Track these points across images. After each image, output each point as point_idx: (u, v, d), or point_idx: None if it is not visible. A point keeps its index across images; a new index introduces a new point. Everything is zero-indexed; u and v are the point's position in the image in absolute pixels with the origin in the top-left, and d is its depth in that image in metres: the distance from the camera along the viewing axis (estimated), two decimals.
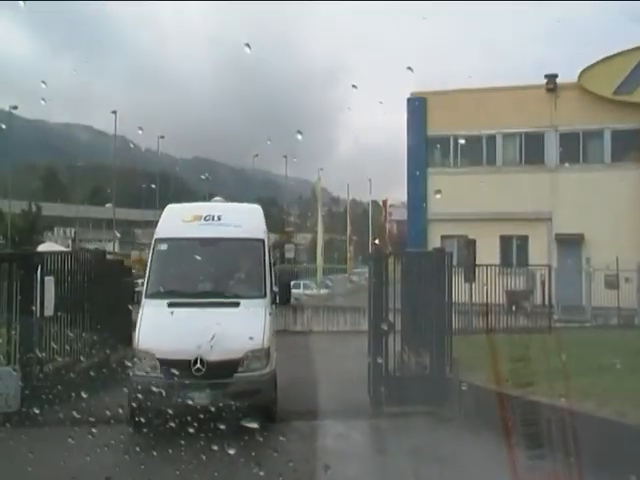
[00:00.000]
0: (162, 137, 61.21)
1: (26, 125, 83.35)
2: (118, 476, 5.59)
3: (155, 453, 5.46)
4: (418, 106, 26.68)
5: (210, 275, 9.32)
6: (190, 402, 7.66)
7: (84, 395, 6.94)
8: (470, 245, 18.82)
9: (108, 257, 15.90)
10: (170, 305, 8.61)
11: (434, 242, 23.77)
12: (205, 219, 9.49)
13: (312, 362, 10.40)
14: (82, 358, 10.39)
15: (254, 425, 6.21)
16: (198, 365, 7.97)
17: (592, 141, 25.75)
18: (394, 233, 40.75)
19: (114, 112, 51.56)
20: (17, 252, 14.20)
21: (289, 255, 45.64)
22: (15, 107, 50.08)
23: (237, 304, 8.65)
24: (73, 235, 65.80)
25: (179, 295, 8.87)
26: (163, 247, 9.47)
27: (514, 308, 17.60)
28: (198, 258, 9.14)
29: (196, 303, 8.53)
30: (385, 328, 9.62)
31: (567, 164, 24.61)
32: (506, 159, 26.86)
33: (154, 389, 7.57)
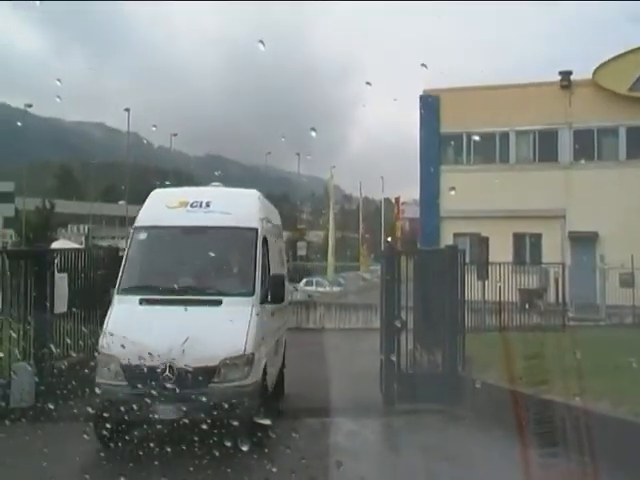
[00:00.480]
0: (175, 135, 61.42)
1: (40, 123, 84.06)
2: (132, 473, 5.62)
3: (169, 449, 5.48)
4: (431, 103, 26.60)
5: (192, 269, 8.22)
6: (156, 416, 6.82)
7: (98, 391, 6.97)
8: (483, 243, 18.71)
9: (121, 254, 15.97)
10: (142, 302, 7.60)
11: (447, 240, 23.69)
12: (192, 205, 8.38)
13: (324, 359, 10.36)
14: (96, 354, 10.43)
15: (266, 421, 6.26)
16: (167, 373, 6.90)
17: (607, 138, 25.56)
18: (407, 231, 40.66)
19: (127, 110, 51.78)
20: (31, 249, 14.32)
21: (301, 252, 45.67)
22: (30, 105, 50.41)
23: (219, 302, 7.58)
24: (86, 232, 66.33)
25: (154, 291, 7.79)
26: (142, 237, 8.43)
27: (527, 306, 17.51)
28: (179, 249, 8.31)
29: (172, 300, 7.50)
30: (398, 325, 9.59)
31: (581, 161, 24.45)
32: (519, 156, 26.73)
33: (117, 400, 6.86)
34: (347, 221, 57.01)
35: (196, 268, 8.22)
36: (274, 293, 8.11)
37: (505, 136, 26.59)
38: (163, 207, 8.54)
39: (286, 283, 10.74)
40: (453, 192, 23.89)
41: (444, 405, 9.11)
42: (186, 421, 6.48)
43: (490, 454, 6.95)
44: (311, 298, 28.35)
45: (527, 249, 25.52)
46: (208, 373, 7.03)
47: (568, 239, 24.69)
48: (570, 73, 25.54)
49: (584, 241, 24.14)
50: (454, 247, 11.35)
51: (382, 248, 24.06)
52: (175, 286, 7.70)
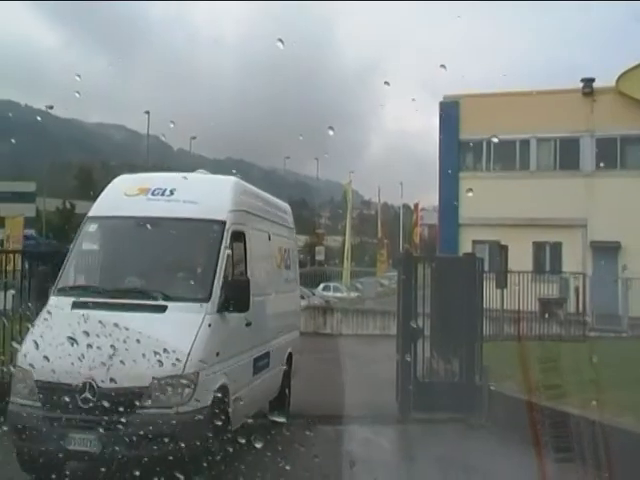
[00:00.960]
0: (194, 138, 61.80)
1: (61, 124, 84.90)
2: None
3: None
4: (451, 109, 26.45)
5: (141, 267, 6.98)
6: (70, 448, 5.65)
7: None
8: (502, 251, 18.56)
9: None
10: (75, 306, 6.35)
11: (465, 247, 23.52)
12: (153, 193, 7.15)
13: (340, 366, 10.32)
14: None
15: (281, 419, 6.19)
16: (86, 394, 5.65)
17: (630, 146, 25.21)
18: (425, 237, 40.45)
19: (147, 112, 52.21)
20: (52, 250, 14.42)
21: (319, 257, 45.61)
22: (51, 107, 51.09)
23: (163, 308, 6.25)
24: None
25: (92, 293, 6.60)
26: (91, 229, 7.30)
27: (547, 316, 17.30)
28: (132, 243, 7.21)
29: (110, 305, 6.24)
30: (413, 326, 9.48)
31: (604, 170, 24.13)
32: (540, 164, 26.46)
33: (27, 424, 5.76)
34: (366, 226, 56.94)
35: (145, 266, 6.98)
36: (237, 301, 6.64)
37: (526, 143, 26.34)
38: (121, 195, 7.33)
39: (297, 288, 10.45)
40: (470, 194, 23.66)
41: (460, 414, 9.01)
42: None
43: (507, 464, 6.85)
44: (328, 303, 28.30)
45: (547, 258, 25.24)
46: (136, 396, 5.70)
47: (590, 248, 24.38)
48: (592, 80, 25.26)
49: (606, 251, 23.80)
50: (472, 254, 11.27)
51: (402, 254, 23.94)
52: (117, 287, 6.62)
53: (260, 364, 7.70)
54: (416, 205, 38.52)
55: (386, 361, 10.60)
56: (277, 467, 5.17)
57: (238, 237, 7.26)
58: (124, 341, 5.70)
